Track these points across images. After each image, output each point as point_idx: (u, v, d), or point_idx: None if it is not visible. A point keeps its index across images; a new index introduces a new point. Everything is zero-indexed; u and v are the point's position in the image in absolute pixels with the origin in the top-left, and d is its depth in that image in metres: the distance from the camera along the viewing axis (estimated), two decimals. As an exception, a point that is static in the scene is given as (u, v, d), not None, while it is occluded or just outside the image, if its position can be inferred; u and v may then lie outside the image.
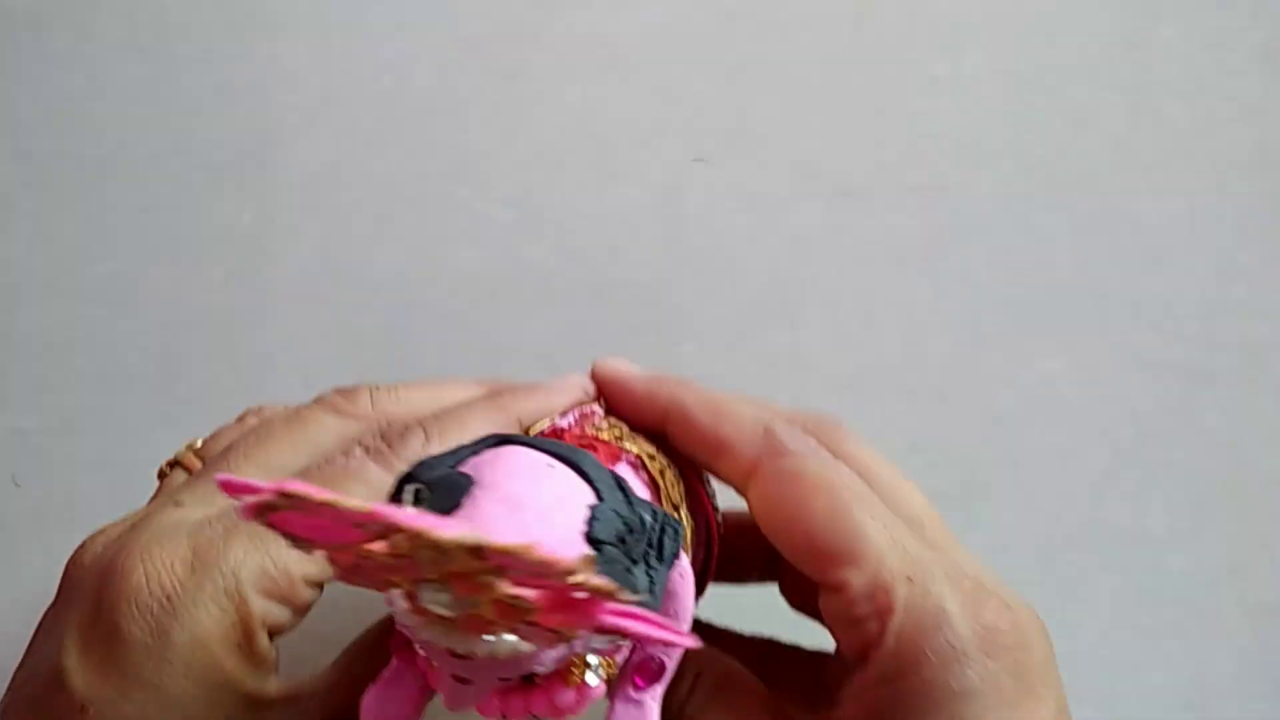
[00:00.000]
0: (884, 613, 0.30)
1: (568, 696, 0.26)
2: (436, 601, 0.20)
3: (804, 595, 0.36)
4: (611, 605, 0.20)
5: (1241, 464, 0.53)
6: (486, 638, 0.22)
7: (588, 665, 0.26)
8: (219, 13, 0.49)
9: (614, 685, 0.28)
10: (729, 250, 0.52)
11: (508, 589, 0.19)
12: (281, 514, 0.19)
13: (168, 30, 0.49)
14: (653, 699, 0.27)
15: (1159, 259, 0.52)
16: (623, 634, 0.21)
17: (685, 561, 0.27)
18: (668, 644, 0.26)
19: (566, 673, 0.26)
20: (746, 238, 0.53)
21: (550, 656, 0.24)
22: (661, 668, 0.27)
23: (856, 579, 0.30)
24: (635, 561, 0.24)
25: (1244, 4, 0.51)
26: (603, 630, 0.20)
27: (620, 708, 0.27)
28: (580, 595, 0.19)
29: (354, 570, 0.21)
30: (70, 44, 0.49)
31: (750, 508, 0.33)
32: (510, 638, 0.22)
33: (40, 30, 0.49)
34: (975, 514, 0.54)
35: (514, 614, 0.20)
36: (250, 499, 0.19)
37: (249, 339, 0.51)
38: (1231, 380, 0.53)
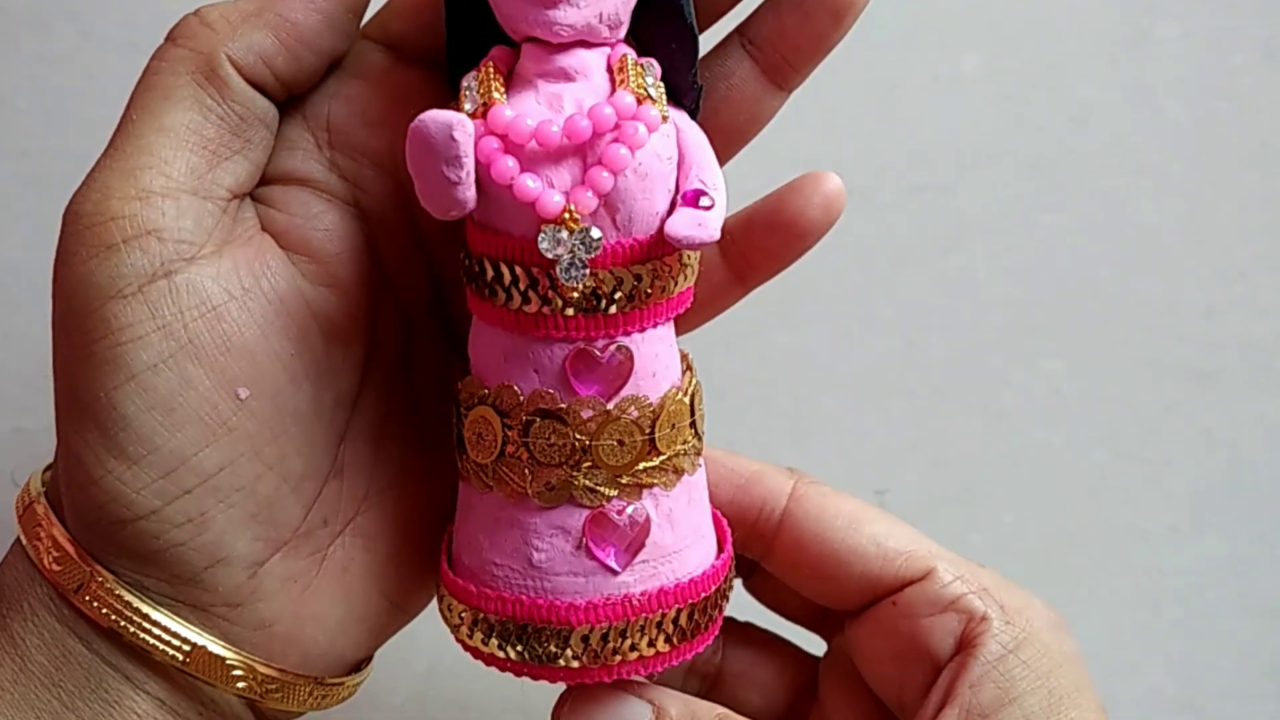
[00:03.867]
0: (971, 611, 0.32)
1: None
2: None
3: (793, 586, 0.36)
4: None
5: (1242, 464, 0.53)
6: None
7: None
8: (219, 12, 0.49)
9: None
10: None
11: None
12: None
13: (169, 29, 0.49)
14: (715, 216, 0.28)
15: (1159, 258, 0.52)
16: None
17: None
18: None
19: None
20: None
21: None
22: (711, 199, 0.28)
23: (944, 570, 0.33)
24: None
25: (1244, 2, 0.50)
26: None
27: (678, 214, 0.28)
28: None
29: None
30: (71, 43, 0.49)
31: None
32: None
33: (41, 29, 0.49)
34: (975, 514, 0.54)
35: None
36: None
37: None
38: (1232, 380, 0.53)
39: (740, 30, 0.33)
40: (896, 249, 0.52)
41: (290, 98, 0.31)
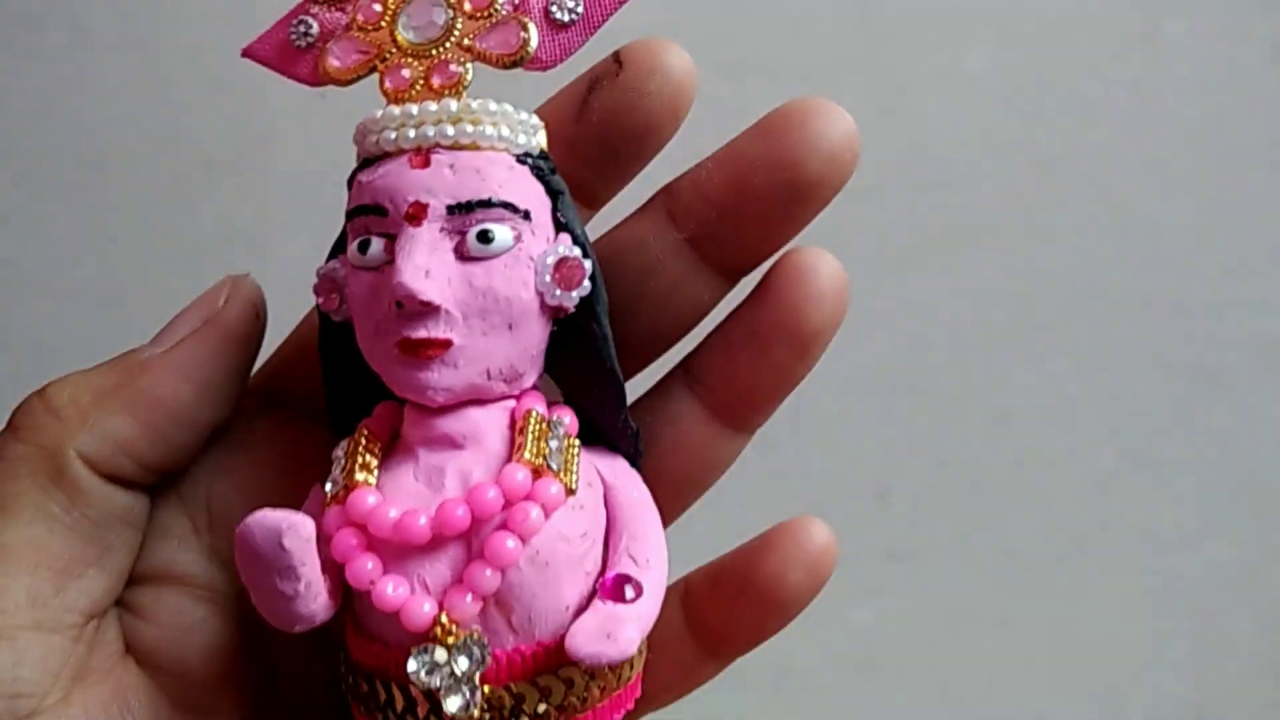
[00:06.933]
0: None
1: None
2: (409, 28, 0.25)
3: None
4: None
5: (1250, 465, 0.53)
6: (445, 103, 0.24)
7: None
8: (214, 9, 0.49)
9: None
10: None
11: None
12: None
13: (163, 27, 0.49)
14: (636, 618, 0.23)
15: (1167, 258, 0.52)
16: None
17: None
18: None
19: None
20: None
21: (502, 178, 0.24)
22: (638, 588, 0.23)
23: None
24: None
25: (1251, 0, 0.50)
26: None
27: (585, 619, 0.23)
28: None
29: (351, 42, 0.25)
30: (65, 41, 0.49)
31: None
32: (457, 104, 0.24)
33: (34, 27, 0.49)
34: (981, 515, 0.54)
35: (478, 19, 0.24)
36: None
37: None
38: (1240, 380, 0.52)
39: (684, 366, 0.28)
40: (901, 247, 0.51)
41: (165, 476, 0.26)
